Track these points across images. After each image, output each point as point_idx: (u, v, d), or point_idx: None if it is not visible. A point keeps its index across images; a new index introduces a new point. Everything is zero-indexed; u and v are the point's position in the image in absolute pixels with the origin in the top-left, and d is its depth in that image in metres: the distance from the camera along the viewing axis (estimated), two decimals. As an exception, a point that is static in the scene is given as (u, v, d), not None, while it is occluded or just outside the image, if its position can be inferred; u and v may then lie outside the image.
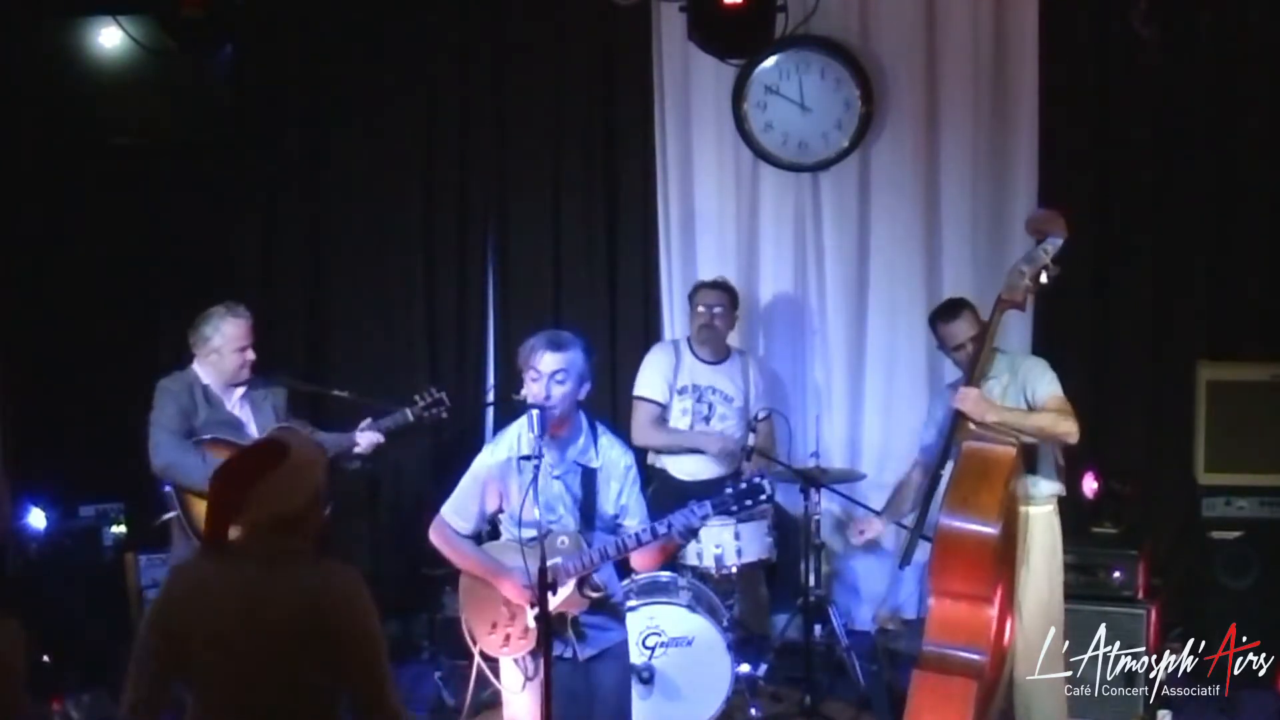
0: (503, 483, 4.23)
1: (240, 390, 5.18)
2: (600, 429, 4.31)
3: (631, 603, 5.29)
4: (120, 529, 6.05)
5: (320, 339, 6.94)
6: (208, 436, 5.05)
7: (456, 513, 4.28)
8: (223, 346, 5.09)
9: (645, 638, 5.26)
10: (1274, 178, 6.05)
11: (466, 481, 4.31)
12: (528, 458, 4.12)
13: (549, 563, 4.12)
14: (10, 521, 5.56)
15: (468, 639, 4.34)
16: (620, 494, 4.24)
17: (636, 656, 5.20)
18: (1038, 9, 6.16)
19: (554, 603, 4.11)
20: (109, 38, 6.03)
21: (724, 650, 5.30)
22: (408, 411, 5.37)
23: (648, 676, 5.26)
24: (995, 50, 6.29)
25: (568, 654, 4.20)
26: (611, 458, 4.25)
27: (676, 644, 5.30)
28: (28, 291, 6.45)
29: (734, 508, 4.17)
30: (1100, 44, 6.13)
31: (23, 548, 5.91)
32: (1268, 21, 5.89)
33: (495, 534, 4.39)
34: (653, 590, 5.42)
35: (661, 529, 4.10)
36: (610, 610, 4.33)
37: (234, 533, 3.07)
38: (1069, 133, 6.23)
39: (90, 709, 5.52)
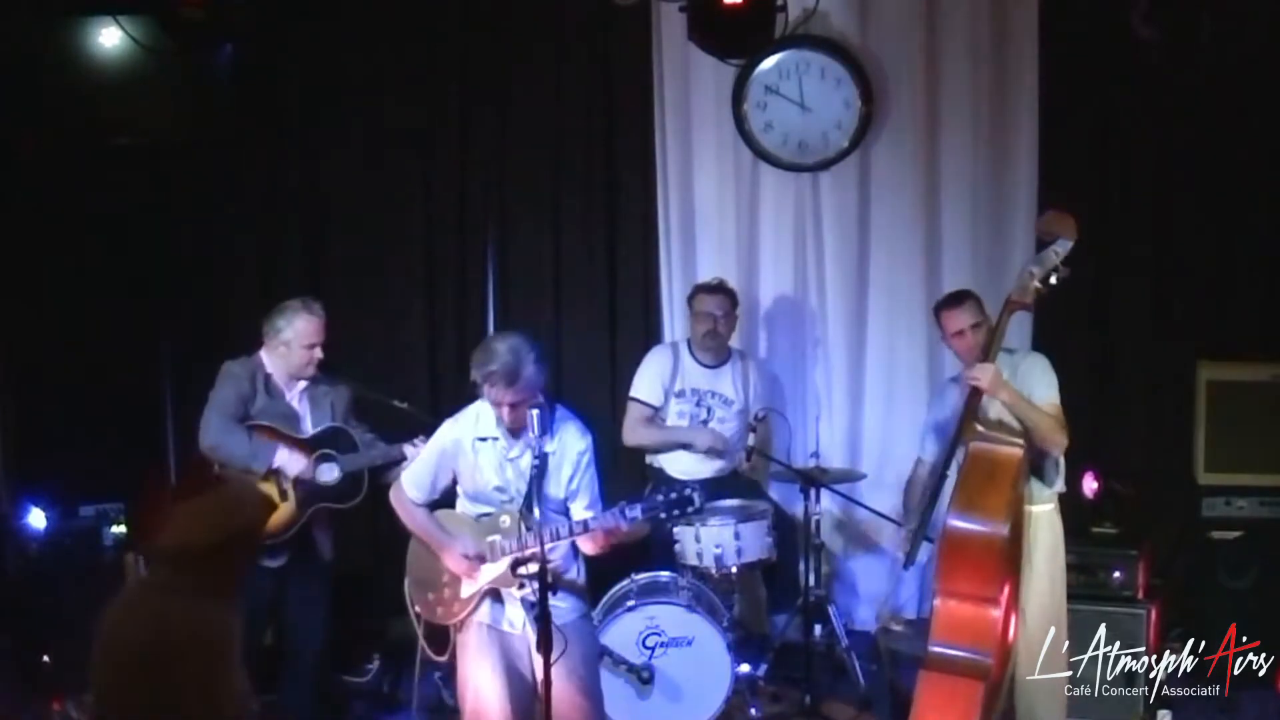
0: (456, 459, 4.40)
1: (302, 384, 5.22)
2: (560, 412, 4.43)
3: (631, 603, 5.31)
4: (120, 529, 6.04)
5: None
6: (261, 423, 5.10)
7: (413, 483, 4.47)
8: (292, 340, 5.14)
9: (645, 638, 5.27)
10: (1274, 178, 6.06)
11: (425, 453, 4.52)
12: (484, 439, 4.33)
13: (489, 539, 4.32)
14: None
15: (407, 602, 4.57)
16: (572, 478, 4.37)
17: (636, 656, 5.22)
18: (1038, 9, 6.16)
19: (486, 577, 4.34)
20: (109, 38, 6.03)
21: (724, 650, 5.30)
22: None
23: (648, 676, 5.26)
24: (995, 50, 6.29)
25: (515, 631, 4.37)
26: (567, 442, 4.37)
27: (676, 644, 5.30)
28: (28, 291, 6.45)
29: (662, 515, 4.31)
30: (1100, 44, 6.13)
31: (23, 548, 5.92)
32: (1268, 21, 5.89)
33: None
34: (653, 590, 5.43)
35: (578, 528, 4.28)
36: (567, 587, 4.42)
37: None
38: (1069, 132, 6.23)
39: (90, 709, 5.52)
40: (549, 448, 4.33)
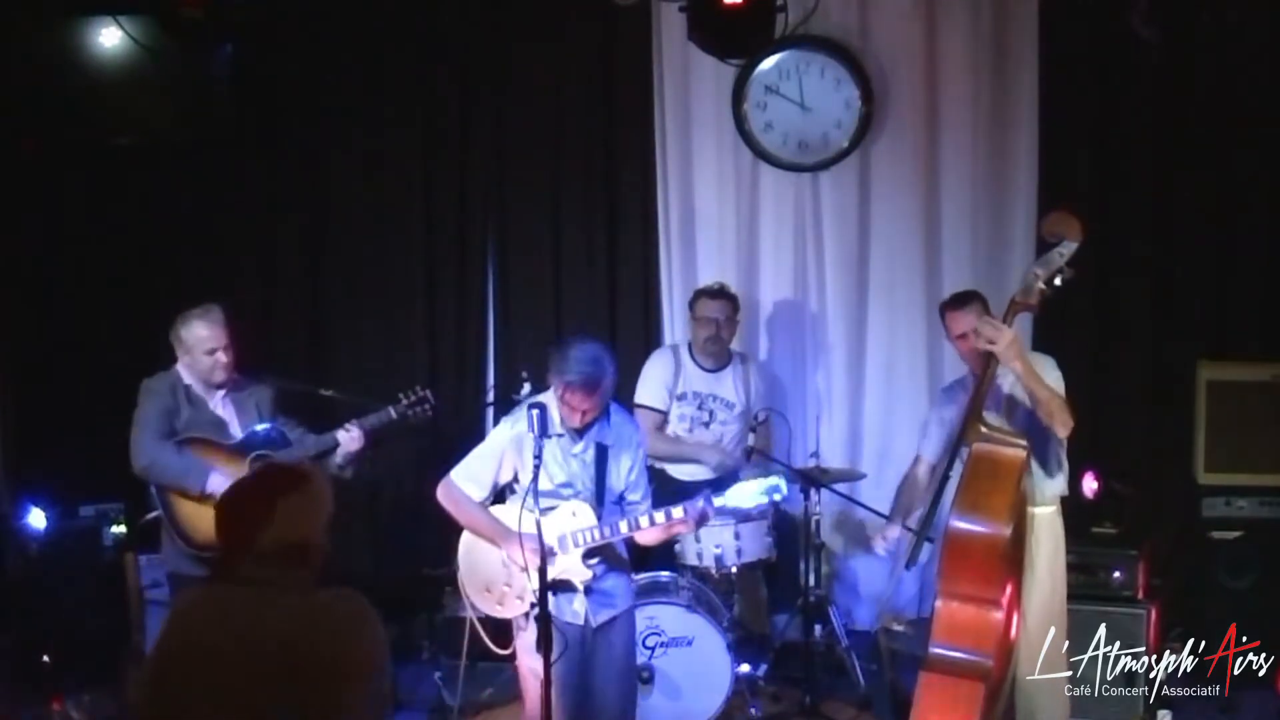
0: (519, 456, 4.40)
1: (223, 390, 5.16)
2: (612, 405, 4.48)
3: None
4: (120, 529, 6.05)
5: (320, 339, 6.94)
6: (190, 435, 5.05)
7: (469, 479, 4.46)
8: (194, 348, 5.06)
9: (645, 638, 5.26)
10: (1274, 177, 6.06)
11: (484, 450, 4.49)
12: (547, 435, 4.32)
13: (560, 533, 4.34)
14: None
15: (463, 597, 4.55)
16: (631, 469, 4.44)
17: (636, 656, 5.21)
18: (1038, 9, 6.16)
19: (556, 569, 4.31)
20: (109, 38, 6.04)
21: (724, 650, 5.30)
22: (391, 410, 5.31)
23: (648, 676, 5.26)
24: (995, 50, 6.29)
25: (578, 621, 4.39)
26: (623, 434, 4.45)
27: (676, 644, 5.30)
28: (28, 291, 6.45)
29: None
30: (1100, 44, 6.13)
31: (23, 548, 5.92)
32: (1268, 21, 5.89)
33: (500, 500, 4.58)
34: (653, 590, 5.42)
35: (676, 512, 4.32)
36: (624, 569, 4.51)
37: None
38: (1069, 133, 6.23)
39: (90, 709, 5.53)
40: (606, 440, 4.40)
